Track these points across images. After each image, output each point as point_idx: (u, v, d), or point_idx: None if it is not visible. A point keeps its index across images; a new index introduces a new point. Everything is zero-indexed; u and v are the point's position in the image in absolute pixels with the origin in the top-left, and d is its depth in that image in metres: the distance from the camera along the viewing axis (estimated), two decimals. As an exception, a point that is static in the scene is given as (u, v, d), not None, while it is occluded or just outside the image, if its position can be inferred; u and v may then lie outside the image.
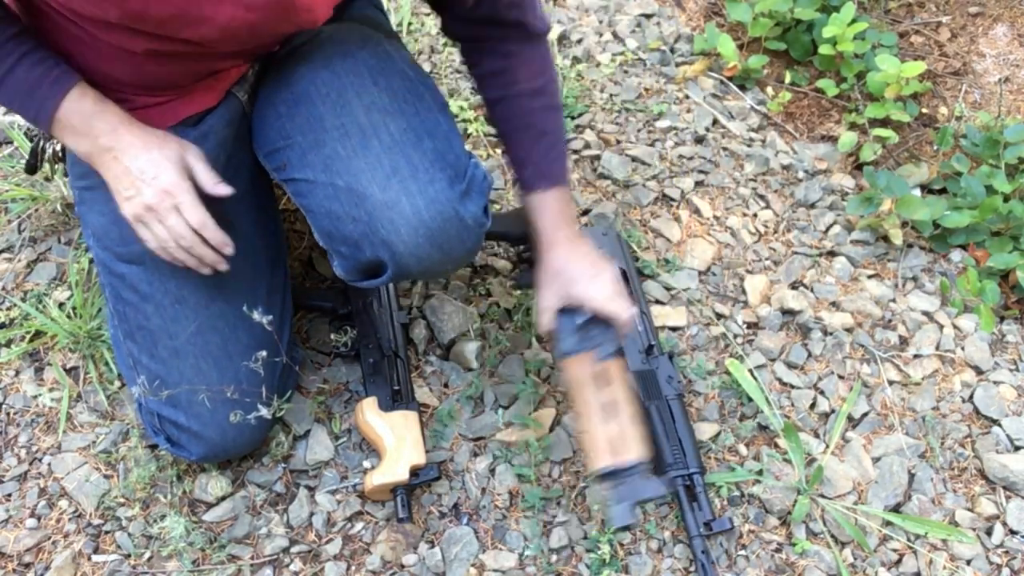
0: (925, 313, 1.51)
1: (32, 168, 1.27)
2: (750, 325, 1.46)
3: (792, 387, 1.39)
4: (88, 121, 1.02)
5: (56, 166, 1.28)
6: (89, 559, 1.15)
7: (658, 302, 1.47)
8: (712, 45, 1.86)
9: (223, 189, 1.08)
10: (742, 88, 1.88)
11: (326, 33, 1.14)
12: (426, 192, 1.04)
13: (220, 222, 1.13)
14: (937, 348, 1.47)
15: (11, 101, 1.03)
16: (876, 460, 1.32)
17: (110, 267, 1.16)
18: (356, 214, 1.07)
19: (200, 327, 1.13)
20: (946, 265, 1.60)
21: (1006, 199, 1.59)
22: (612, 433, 1.13)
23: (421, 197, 1.04)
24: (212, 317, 1.14)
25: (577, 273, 1.16)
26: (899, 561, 1.23)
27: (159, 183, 1.03)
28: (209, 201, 1.13)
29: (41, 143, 1.25)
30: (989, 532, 1.26)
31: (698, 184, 1.66)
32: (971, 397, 1.41)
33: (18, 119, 1.57)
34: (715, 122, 1.79)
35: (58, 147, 1.24)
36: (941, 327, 1.49)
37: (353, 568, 1.17)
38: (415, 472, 1.18)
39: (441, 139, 1.09)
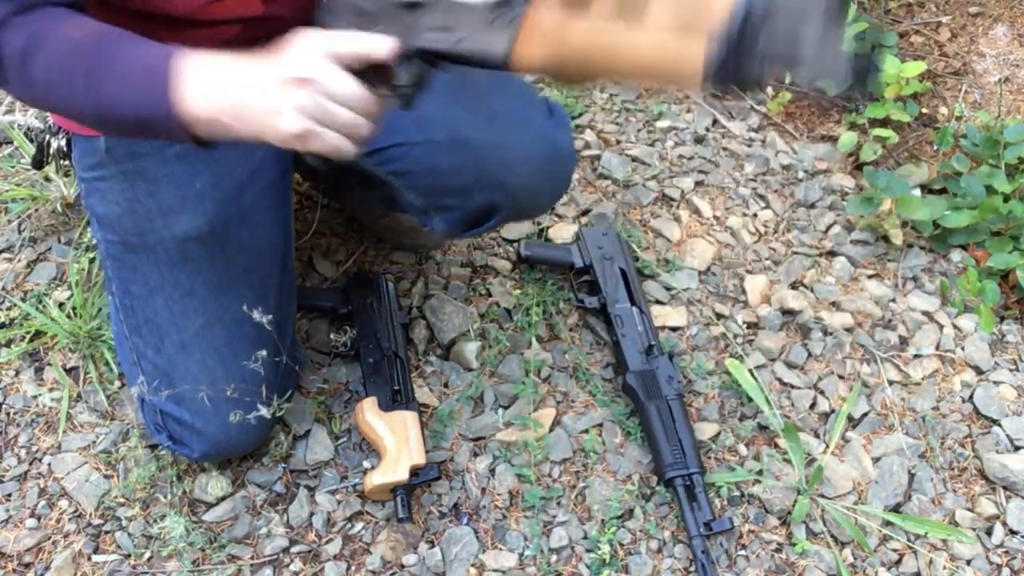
0: (925, 313, 1.51)
1: (39, 163, 1.27)
2: (750, 325, 1.46)
3: (792, 387, 1.39)
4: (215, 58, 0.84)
5: (62, 162, 1.28)
6: (89, 559, 1.15)
7: (658, 302, 1.47)
8: (712, 45, 1.86)
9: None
10: (742, 88, 1.88)
11: None
12: (529, 127, 1.09)
13: (235, 222, 1.13)
14: (937, 348, 1.47)
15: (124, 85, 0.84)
16: (876, 460, 1.32)
17: (120, 259, 1.15)
18: (462, 163, 1.10)
19: (208, 320, 1.13)
20: (946, 265, 1.60)
21: (1006, 199, 1.59)
22: None
23: (527, 133, 1.07)
24: (220, 310, 1.14)
25: None
26: (899, 561, 1.23)
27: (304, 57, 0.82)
28: (239, 191, 1.14)
29: (47, 138, 1.25)
30: (989, 532, 1.26)
31: (698, 184, 1.66)
32: (971, 397, 1.41)
33: (18, 119, 1.57)
34: (715, 122, 1.79)
35: (63, 143, 1.24)
36: (941, 327, 1.49)
37: (353, 568, 1.17)
38: (415, 472, 1.18)
39: (519, 83, 1.16)
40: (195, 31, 0.95)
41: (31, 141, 1.53)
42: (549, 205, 1.46)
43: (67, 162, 1.26)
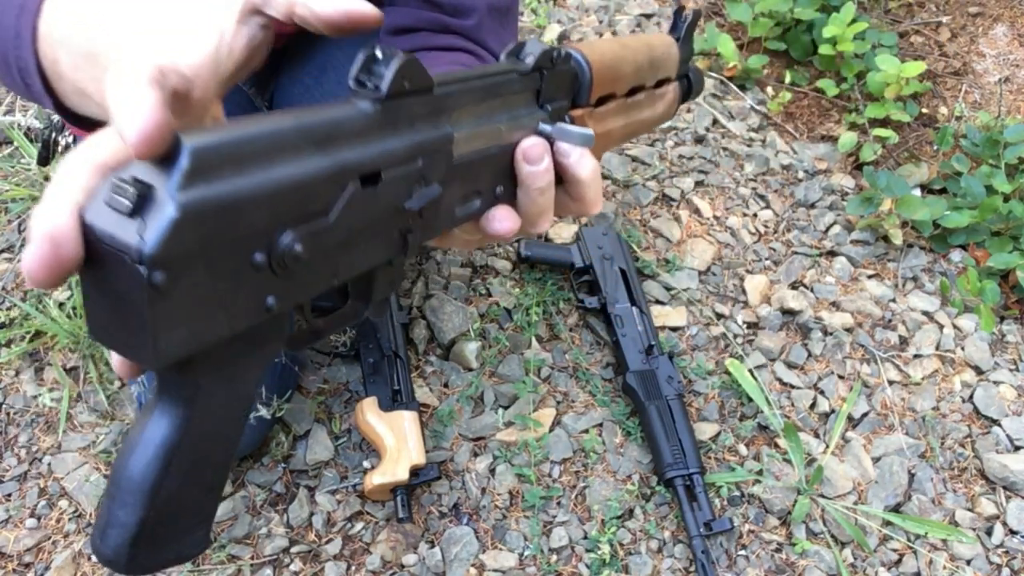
0: (925, 313, 1.51)
1: (44, 160, 1.27)
2: (750, 325, 1.46)
3: (792, 387, 1.39)
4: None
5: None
6: (89, 559, 1.15)
7: (658, 302, 1.47)
8: (712, 45, 1.86)
9: None
10: (742, 88, 1.88)
11: None
12: None
13: None
14: (937, 348, 1.47)
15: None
16: (876, 460, 1.32)
17: None
18: None
19: None
20: (946, 265, 1.60)
21: (1006, 199, 1.60)
22: None
23: None
24: None
25: None
26: (899, 561, 1.23)
27: None
28: None
29: (53, 135, 1.25)
30: (989, 532, 1.26)
31: (698, 184, 1.66)
32: (971, 397, 1.41)
33: (19, 119, 1.57)
34: (715, 122, 1.79)
35: (70, 139, 1.24)
36: (941, 327, 1.49)
37: (353, 568, 1.17)
38: (415, 472, 1.18)
39: None
40: None
41: (32, 141, 1.53)
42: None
43: None
